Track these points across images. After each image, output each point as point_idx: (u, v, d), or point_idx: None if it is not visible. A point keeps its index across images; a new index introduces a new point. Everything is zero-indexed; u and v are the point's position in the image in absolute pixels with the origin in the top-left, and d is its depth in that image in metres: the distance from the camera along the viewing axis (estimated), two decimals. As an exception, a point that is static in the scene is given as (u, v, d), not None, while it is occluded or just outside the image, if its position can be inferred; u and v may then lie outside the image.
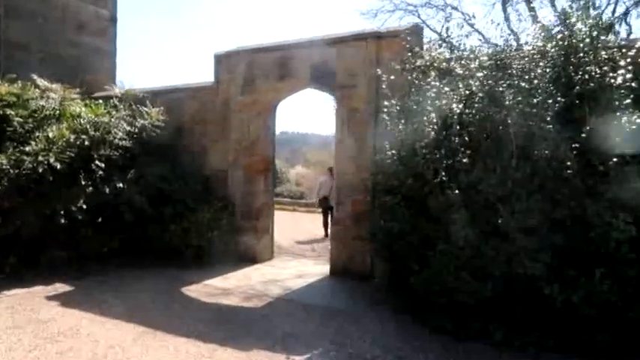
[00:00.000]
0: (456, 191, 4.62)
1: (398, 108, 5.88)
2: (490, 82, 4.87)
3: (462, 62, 5.47)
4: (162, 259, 8.02)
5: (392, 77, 6.47)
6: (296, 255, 9.40)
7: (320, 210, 12.77)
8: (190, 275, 7.38)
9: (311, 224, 14.47)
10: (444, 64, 5.70)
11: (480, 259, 4.63)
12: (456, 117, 4.85)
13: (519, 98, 4.56)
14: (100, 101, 8.78)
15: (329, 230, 12.02)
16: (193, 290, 6.66)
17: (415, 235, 5.03)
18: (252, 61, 8.34)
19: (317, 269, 8.09)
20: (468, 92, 5.01)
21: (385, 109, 6.05)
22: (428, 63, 5.92)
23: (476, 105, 4.88)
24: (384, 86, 6.44)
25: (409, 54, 6.88)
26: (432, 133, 5.02)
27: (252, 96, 8.35)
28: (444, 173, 4.74)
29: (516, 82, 4.76)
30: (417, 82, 6.34)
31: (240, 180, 8.51)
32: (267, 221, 8.57)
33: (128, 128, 8.37)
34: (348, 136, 7.43)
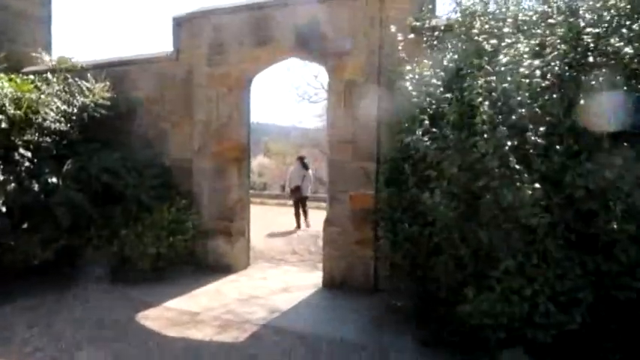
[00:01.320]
0: (536, 185, 3.16)
1: (426, 74, 4.38)
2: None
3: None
4: (111, 272, 6.27)
5: (400, 38, 4.99)
6: (276, 260, 7.81)
7: (294, 201, 11.64)
8: (147, 294, 5.68)
9: (284, 218, 12.87)
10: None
11: (566, 280, 3.22)
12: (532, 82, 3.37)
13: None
14: (32, 77, 6.85)
15: (301, 221, 11.33)
16: (152, 317, 4.99)
17: (468, 248, 3.55)
18: (221, 24, 6.63)
19: (304, 279, 6.55)
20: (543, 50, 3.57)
21: (407, 76, 4.53)
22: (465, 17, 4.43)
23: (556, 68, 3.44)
24: (399, 48, 4.93)
25: (422, 10, 5.44)
26: (486, 104, 3.53)
27: (222, 67, 6.66)
28: (512, 159, 3.27)
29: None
30: (437, 44, 4.90)
31: (208, 172, 6.83)
32: (242, 222, 6.93)
33: (64, 107, 6.54)
34: (344, 116, 5.88)
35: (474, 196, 3.55)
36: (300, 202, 11.45)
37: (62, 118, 6.44)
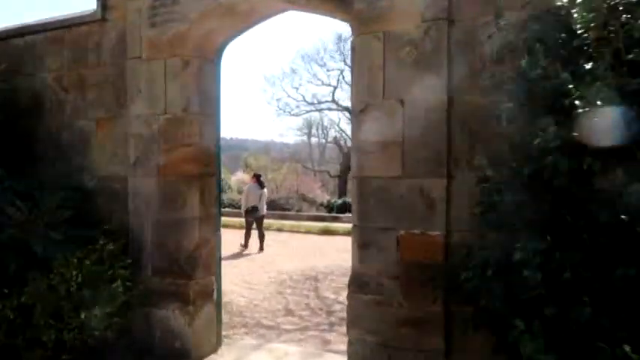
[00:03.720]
0: None
1: None
2: None
3: None
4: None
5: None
6: (264, 329, 5.02)
7: (246, 221, 10.55)
8: None
9: (273, 249, 10.15)
10: None
11: None
12: None
13: None
14: None
15: (251, 241, 10.31)
16: None
17: None
18: (173, -43, 3.97)
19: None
20: None
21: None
22: None
23: None
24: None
25: None
26: None
27: (173, 26, 3.96)
28: None
29: None
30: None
31: (152, 197, 4.08)
32: (208, 278, 4.17)
33: None
34: (382, 101, 3.27)
35: None
36: (256, 222, 10.47)
37: None
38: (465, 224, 3.07)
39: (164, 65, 4.01)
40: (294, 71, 35.36)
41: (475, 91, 3.11)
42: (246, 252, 10.08)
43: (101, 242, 3.92)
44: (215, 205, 4.24)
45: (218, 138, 4.29)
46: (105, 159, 4.41)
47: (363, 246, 3.35)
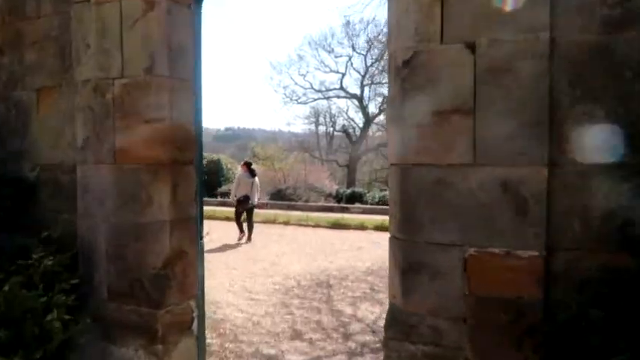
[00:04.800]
0: None
1: None
2: None
3: None
4: None
5: None
6: None
7: (236, 210, 10.04)
8: None
9: (278, 247, 9.02)
10: None
11: None
12: None
13: None
14: None
15: (244, 228, 9.89)
16: None
17: None
18: None
19: None
20: None
21: None
22: None
23: None
24: None
25: None
26: None
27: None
28: None
29: None
30: None
31: (107, 191, 2.92)
32: (185, 303, 3.02)
33: None
34: (440, 47, 2.07)
35: None
36: (247, 212, 9.91)
37: None
38: (578, 240, 1.89)
39: (119, 8, 2.81)
40: (301, 58, 34.11)
41: (593, 26, 1.91)
42: (239, 244, 8.98)
43: (35, 256, 2.80)
44: (194, 203, 3.06)
45: (198, 112, 3.10)
46: (49, 141, 3.25)
47: (408, 270, 2.16)
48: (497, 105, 1.96)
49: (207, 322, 4.63)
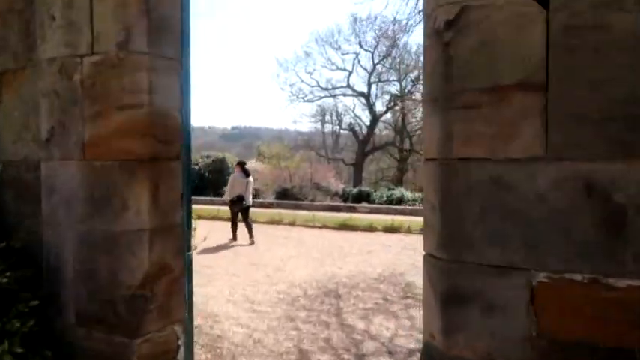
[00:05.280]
0: None
1: None
2: None
3: None
4: None
5: None
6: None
7: (232, 211, 9.80)
8: None
9: (284, 250, 8.50)
10: None
11: None
12: None
13: None
14: None
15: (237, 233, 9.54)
16: None
17: None
18: None
19: None
20: None
21: None
22: None
23: None
24: None
25: None
26: None
27: None
28: None
29: None
30: None
31: (75, 193, 2.41)
32: (169, 328, 2.49)
33: None
34: (497, 0, 1.54)
35: None
36: (242, 213, 9.65)
37: None
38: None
39: (88, -31, 2.30)
40: (307, 55, 33.67)
41: None
42: (242, 246, 8.47)
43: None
44: (180, 208, 2.53)
45: (186, 97, 2.57)
46: (12, 134, 2.74)
47: (451, 301, 1.62)
48: (581, 76, 1.42)
49: (204, 339, 4.11)
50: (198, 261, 6.56)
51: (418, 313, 4.81)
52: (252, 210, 12.63)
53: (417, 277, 6.42)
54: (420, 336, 4.17)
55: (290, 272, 6.69)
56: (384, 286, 5.99)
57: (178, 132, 2.47)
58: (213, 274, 6.52)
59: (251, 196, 10.05)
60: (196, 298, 4.86)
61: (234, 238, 9.62)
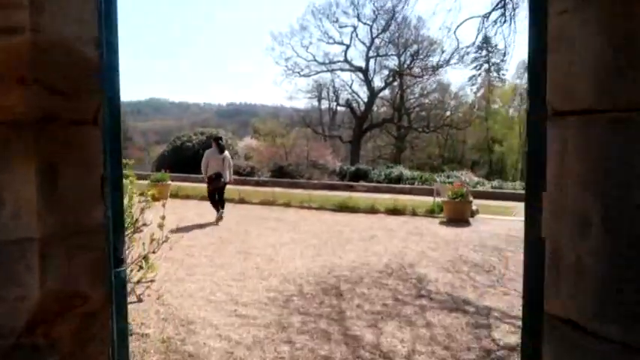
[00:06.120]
0: None
1: None
2: None
3: None
4: None
5: None
6: None
7: (208, 189, 9.59)
8: None
9: (276, 236, 7.63)
10: None
11: None
12: None
13: None
14: None
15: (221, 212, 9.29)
16: None
17: None
18: None
19: None
20: None
21: None
22: None
23: None
24: None
25: None
26: None
27: None
28: None
29: None
30: None
31: None
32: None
33: None
34: None
35: None
36: (218, 191, 9.45)
37: None
38: None
39: None
40: (304, 28, 32.42)
41: None
42: (228, 230, 7.59)
43: None
44: (101, 200, 1.58)
45: (110, 24, 1.60)
46: None
47: (559, 341, 0.71)
48: None
49: (171, 358, 3.24)
50: (179, 249, 5.65)
51: (437, 319, 3.95)
52: (245, 188, 12.03)
53: (428, 270, 5.56)
54: (444, 353, 3.30)
55: (283, 263, 5.81)
56: (392, 281, 5.12)
57: (91, 77, 1.51)
58: (195, 265, 5.64)
59: (229, 174, 9.67)
60: (170, 299, 3.96)
61: (219, 214, 9.38)
